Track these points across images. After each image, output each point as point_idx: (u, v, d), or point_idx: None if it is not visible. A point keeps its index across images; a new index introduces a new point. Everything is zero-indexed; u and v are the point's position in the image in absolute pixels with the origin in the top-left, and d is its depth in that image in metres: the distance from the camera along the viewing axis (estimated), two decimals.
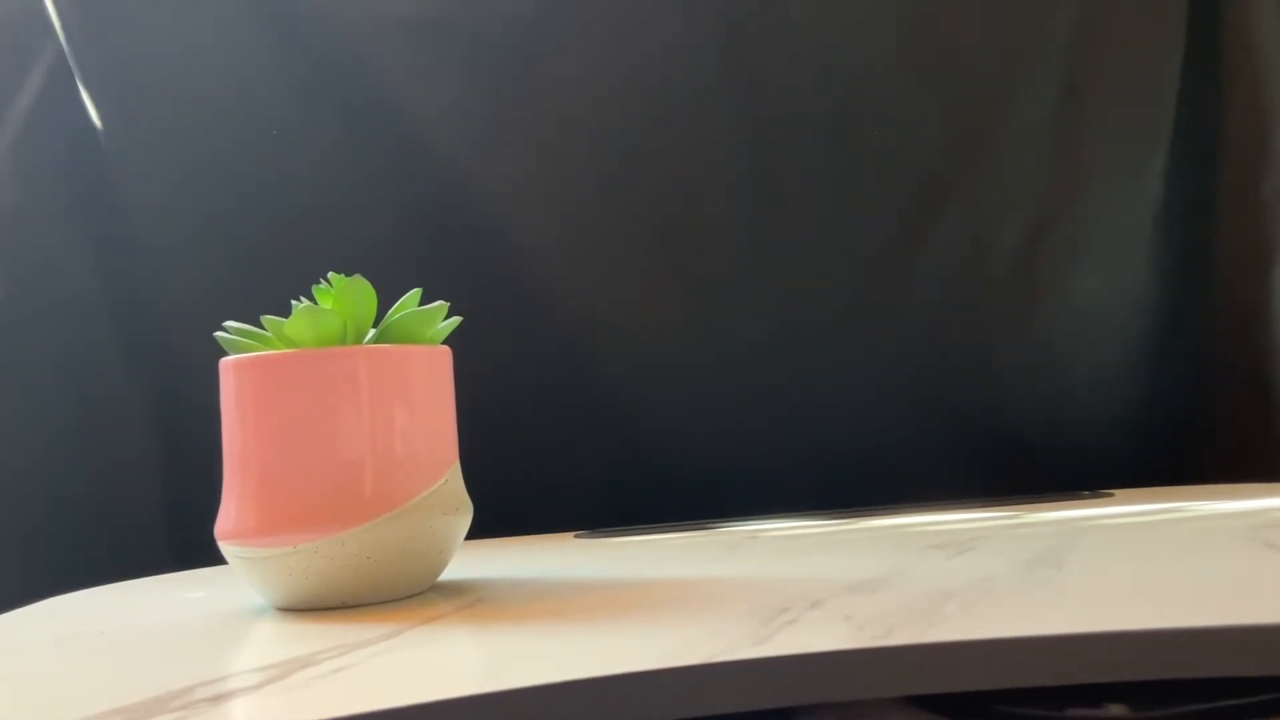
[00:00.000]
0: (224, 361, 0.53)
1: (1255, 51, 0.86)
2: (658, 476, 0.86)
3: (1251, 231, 0.86)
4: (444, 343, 0.56)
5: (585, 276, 0.86)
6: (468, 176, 0.85)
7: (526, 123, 0.86)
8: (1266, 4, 0.86)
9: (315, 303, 0.54)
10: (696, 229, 0.87)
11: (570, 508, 0.85)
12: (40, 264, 0.84)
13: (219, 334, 0.54)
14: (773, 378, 0.87)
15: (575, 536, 0.76)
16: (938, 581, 0.48)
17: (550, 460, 0.86)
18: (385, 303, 0.55)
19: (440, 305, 0.55)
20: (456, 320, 0.56)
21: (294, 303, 0.53)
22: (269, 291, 0.57)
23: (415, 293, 0.56)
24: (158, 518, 0.85)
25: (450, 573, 0.56)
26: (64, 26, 0.84)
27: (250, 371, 0.53)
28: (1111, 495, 0.76)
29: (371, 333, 0.54)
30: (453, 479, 0.54)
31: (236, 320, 0.55)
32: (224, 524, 0.53)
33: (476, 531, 0.56)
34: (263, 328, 0.54)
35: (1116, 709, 0.38)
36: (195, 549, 0.67)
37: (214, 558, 0.55)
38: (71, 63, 0.84)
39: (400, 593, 0.53)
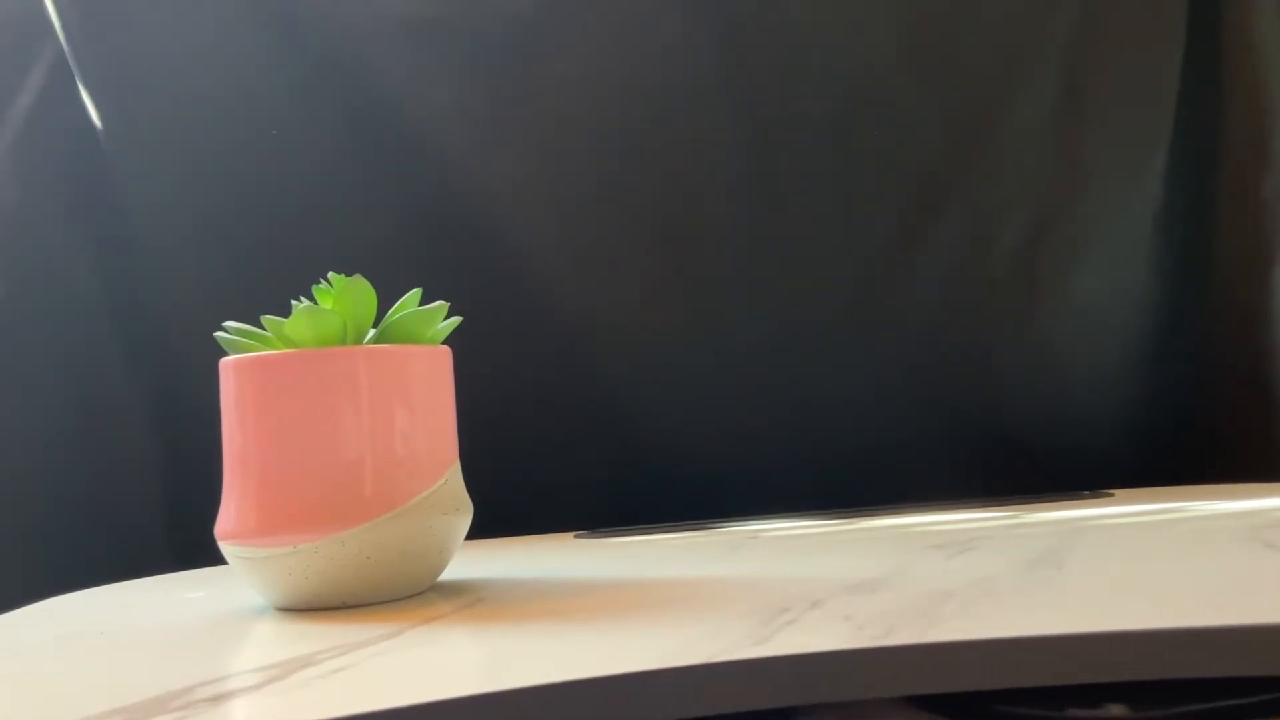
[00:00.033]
0: (224, 361, 0.53)
1: (1255, 51, 0.86)
2: (658, 476, 0.86)
3: (1251, 231, 0.86)
4: (444, 343, 0.56)
5: (585, 276, 0.86)
6: (468, 176, 0.85)
7: (526, 123, 0.86)
8: (1266, 4, 0.86)
9: (315, 303, 0.54)
10: (696, 229, 0.87)
11: (570, 508, 0.85)
12: (40, 264, 0.84)
13: (219, 334, 0.54)
14: (773, 378, 0.87)
15: (575, 536, 0.76)
16: (938, 581, 0.48)
17: (550, 460, 0.86)
18: (385, 303, 0.55)
19: (440, 305, 0.55)
20: (456, 320, 0.56)
21: (294, 303, 0.53)
22: (269, 291, 0.57)
23: (415, 293, 0.56)
24: (158, 518, 0.85)
25: (450, 573, 0.56)
26: (64, 26, 0.84)
27: (250, 371, 0.53)
28: (1111, 495, 0.76)
29: (371, 333, 0.54)
30: (453, 479, 0.54)
31: (236, 320, 0.55)
32: (224, 524, 0.53)
33: (476, 531, 0.56)
34: (263, 328, 0.54)
35: (1116, 709, 0.38)
36: (195, 549, 0.67)
37: (214, 558, 0.55)
38: (71, 63, 0.84)
39: (400, 593, 0.53)
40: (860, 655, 0.38)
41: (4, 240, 0.83)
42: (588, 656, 0.41)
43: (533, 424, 0.86)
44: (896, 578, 0.50)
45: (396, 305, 0.55)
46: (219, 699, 0.39)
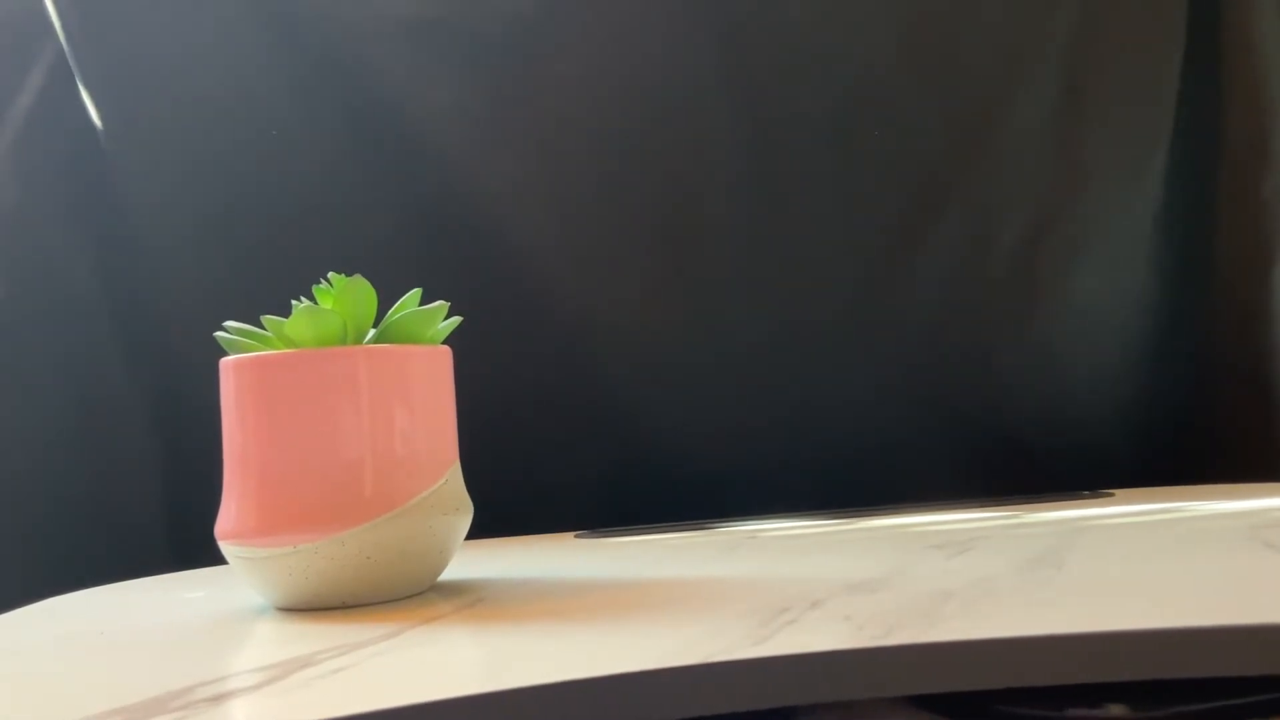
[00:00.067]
0: (224, 361, 0.53)
1: (1255, 51, 0.86)
2: (658, 476, 0.86)
3: (1251, 231, 0.86)
4: (444, 343, 0.56)
5: (585, 276, 0.86)
6: (468, 176, 0.85)
7: (526, 123, 0.86)
8: (1266, 4, 0.86)
9: (315, 303, 0.54)
10: (696, 229, 0.87)
11: (570, 508, 0.85)
12: (40, 264, 0.84)
13: (219, 334, 0.54)
14: (773, 378, 0.87)
15: (575, 536, 0.76)
16: (938, 581, 0.48)
17: (550, 460, 0.86)
18: (385, 303, 0.55)
19: (440, 305, 0.55)
20: (456, 320, 0.56)
21: (294, 303, 0.53)
22: (269, 291, 0.57)
23: (415, 293, 0.56)
24: (158, 518, 0.85)
25: (450, 573, 0.56)
26: (64, 26, 0.84)
27: (250, 371, 0.53)
28: (1111, 495, 0.76)
29: (371, 333, 0.54)
30: (453, 479, 0.54)
31: (236, 320, 0.55)
32: (224, 524, 0.53)
33: (476, 531, 0.56)
34: (263, 328, 0.54)
35: (1116, 709, 0.38)
36: (195, 549, 0.67)
37: (214, 558, 0.55)
38: (71, 63, 0.84)
39: (400, 593, 0.53)
40: (860, 655, 0.38)
41: (4, 240, 0.83)
42: (587, 656, 0.41)
43: (533, 424, 0.86)
44: (896, 578, 0.50)
45: (396, 305, 0.55)
46: (219, 699, 0.39)
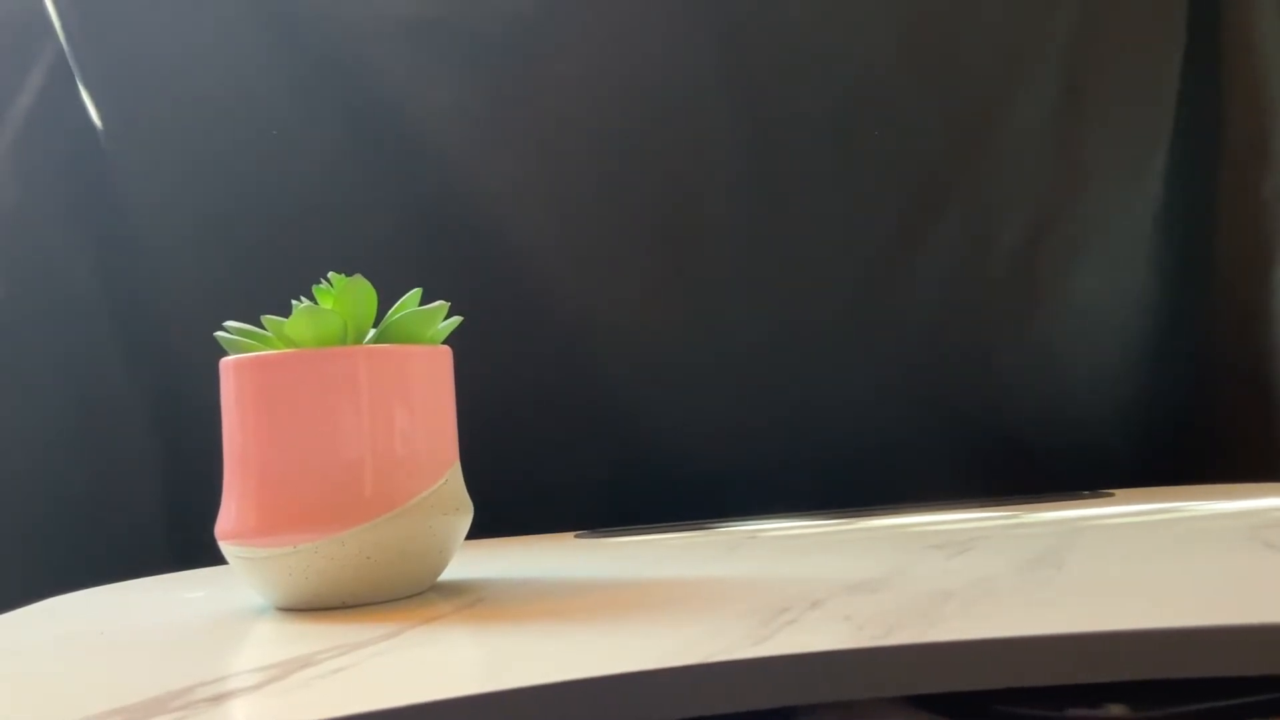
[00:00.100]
0: (224, 361, 0.53)
1: (1255, 51, 0.86)
2: (658, 476, 0.86)
3: (1251, 231, 0.86)
4: (444, 343, 0.56)
5: (585, 276, 0.86)
6: (468, 176, 0.85)
7: (526, 123, 0.86)
8: (1266, 4, 0.86)
9: (315, 303, 0.54)
10: (696, 229, 0.87)
11: (570, 508, 0.85)
12: (40, 264, 0.84)
13: (219, 334, 0.54)
14: (773, 378, 0.87)
15: (575, 536, 0.76)
16: (938, 581, 0.48)
17: (550, 460, 0.86)
18: (385, 303, 0.55)
19: (440, 305, 0.55)
20: (456, 320, 0.56)
21: (294, 303, 0.53)
22: (269, 291, 0.57)
23: (415, 293, 0.56)
24: (158, 518, 0.85)
25: (450, 573, 0.56)
26: (64, 26, 0.84)
27: (250, 371, 0.53)
28: (1111, 495, 0.76)
29: (371, 333, 0.54)
30: (453, 479, 0.54)
31: (236, 320, 0.55)
32: (224, 524, 0.53)
33: (476, 531, 0.56)
34: (263, 328, 0.54)
35: (1116, 709, 0.38)
36: (195, 549, 0.67)
37: (214, 558, 0.55)
38: (71, 63, 0.84)
39: (400, 593, 0.53)
40: (860, 655, 0.38)
41: (4, 240, 0.83)
42: (587, 656, 0.41)
43: (533, 424, 0.86)
44: (896, 578, 0.50)
45: (396, 305, 0.56)
46: (219, 699, 0.39)
